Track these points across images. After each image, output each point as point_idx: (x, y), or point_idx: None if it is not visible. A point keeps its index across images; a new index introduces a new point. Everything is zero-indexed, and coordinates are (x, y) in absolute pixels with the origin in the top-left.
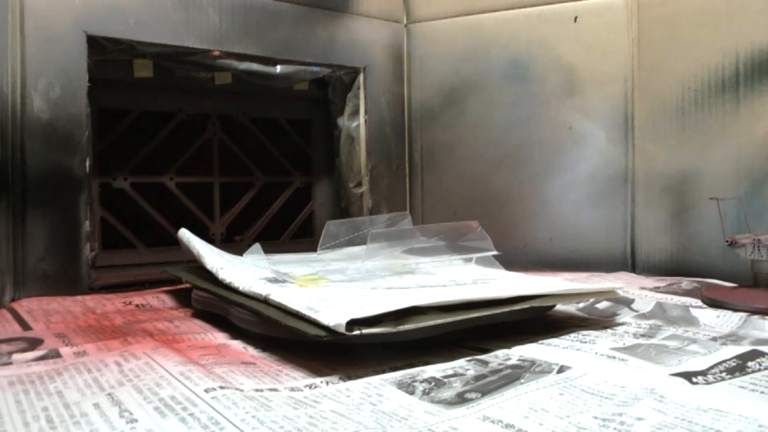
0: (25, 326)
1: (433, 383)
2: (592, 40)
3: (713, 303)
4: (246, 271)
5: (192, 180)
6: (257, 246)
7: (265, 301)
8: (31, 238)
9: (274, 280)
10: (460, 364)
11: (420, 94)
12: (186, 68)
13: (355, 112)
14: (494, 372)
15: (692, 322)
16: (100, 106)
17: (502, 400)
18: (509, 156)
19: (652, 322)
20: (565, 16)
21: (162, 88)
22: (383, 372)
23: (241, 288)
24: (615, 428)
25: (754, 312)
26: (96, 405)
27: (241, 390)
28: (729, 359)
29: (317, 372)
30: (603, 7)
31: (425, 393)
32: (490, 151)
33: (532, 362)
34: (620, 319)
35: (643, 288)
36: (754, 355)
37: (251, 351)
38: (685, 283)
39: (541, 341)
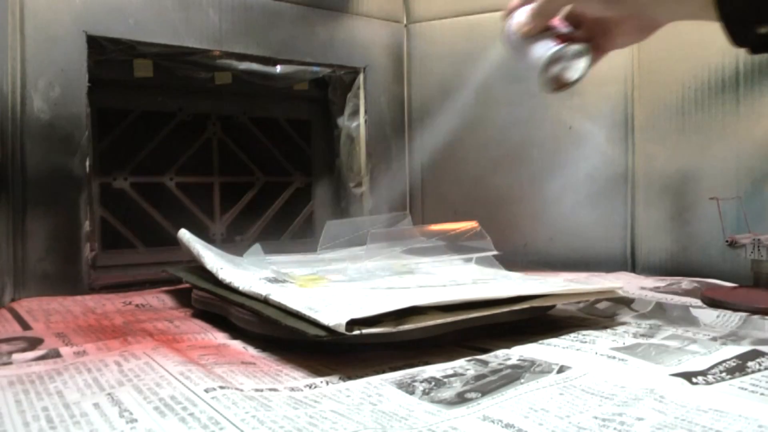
0: (25, 326)
1: (433, 383)
2: None
3: (713, 303)
4: (246, 271)
5: (192, 180)
6: (257, 246)
7: (265, 301)
8: (31, 238)
9: (274, 280)
10: (460, 364)
11: (420, 94)
12: (186, 68)
13: (355, 112)
14: (494, 372)
15: (692, 322)
16: (100, 106)
17: (502, 399)
18: (509, 156)
19: (652, 322)
20: None
21: (162, 88)
22: (383, 372)
23: (241, 288)
24: (615, 428)
25: (754, 312)
26: (96, 405)
27: (241, 390)
28: (729, 359)
29: (317, 372)
30: None
31: (425, 393)
32: (490, 151)
33: (532, 362)
34: (620, 319)
35: (643, 288)
36: (754, 355)
37: (251, 351)
38: (685, 283)
39: (541, 341)
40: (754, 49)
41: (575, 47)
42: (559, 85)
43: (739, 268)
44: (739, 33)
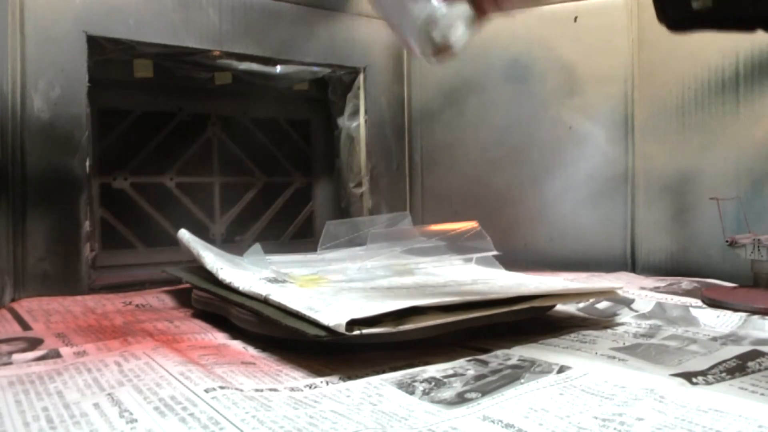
0: (25, 326)
1: (433, 383)
2: (592, 40)
3: (713, 303)
4: (246, 271)
5: (192, 180)
6: (257, 246)
7: (265, 301)
8: (31, 238)
9: (274, 280)
10: (460, 364)
11: (420, 94)
12: (186, 68)
13: (355, 112)
14: (494, 372)
15: (692, 322)
16: (100, 106)
17: (502, 400)
18: (509, 156)
19: (652, 322)
20: (565, 16)
21: (162, 88)
22: (383, 372)
23: (241, 288)
24: (615, 428)
25: (754, 312)
26: (96, 405)
27: (241, 390)
28: (729, 359)
29: (317, 372)
30: (603, 7)
31: (425, 393)
32: (490, 151)
33: (532, 362)
34: (620, 319)
35: (643, 288)
36: (754, 355)
37: (251, 351)
38: (685, 283)
39: (541, 341)
40: (684, 26)
41: (459, 7)
42: (440, 50)
43: (739, 268)
44: (670, 6)
